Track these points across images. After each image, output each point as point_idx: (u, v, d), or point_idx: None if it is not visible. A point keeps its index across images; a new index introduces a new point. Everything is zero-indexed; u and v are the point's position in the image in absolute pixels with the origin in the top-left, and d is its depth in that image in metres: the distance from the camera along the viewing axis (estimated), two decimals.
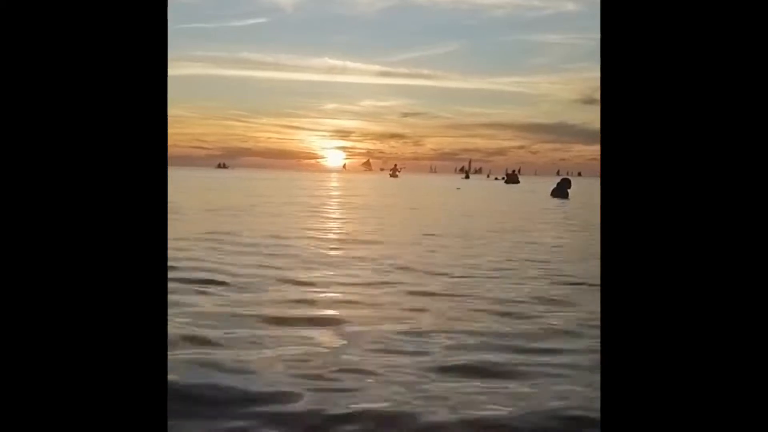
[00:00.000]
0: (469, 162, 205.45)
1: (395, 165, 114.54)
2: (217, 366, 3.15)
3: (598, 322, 1.23)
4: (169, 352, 3.03)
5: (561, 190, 28.69)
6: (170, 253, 5.58)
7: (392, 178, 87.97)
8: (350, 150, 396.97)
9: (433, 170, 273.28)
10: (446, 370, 3.21)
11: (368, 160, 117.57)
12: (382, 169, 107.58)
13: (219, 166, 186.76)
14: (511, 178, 60.39)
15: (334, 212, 15.48)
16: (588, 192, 34.87)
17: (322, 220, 12.71)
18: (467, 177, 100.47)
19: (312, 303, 4.69)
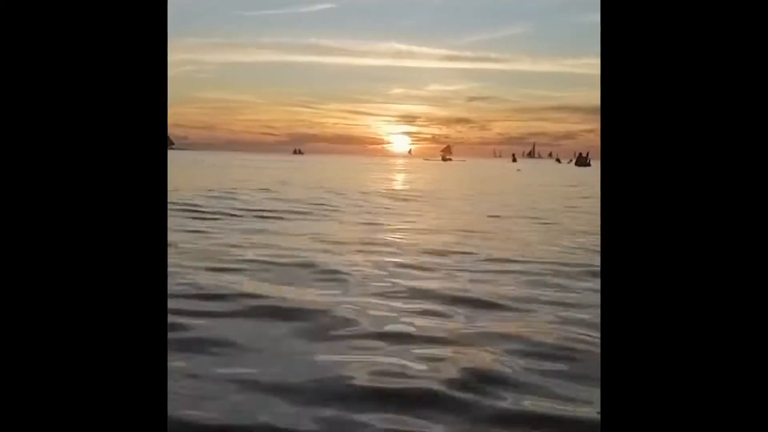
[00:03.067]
0: (534, 145, 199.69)
1: (447, 146, 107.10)
2: None
3: None
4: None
5: None
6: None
7: (444, 162, 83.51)
8: (416, 135, 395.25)
9: (497, 155, 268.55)
10: None
11: (448, 146, 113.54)
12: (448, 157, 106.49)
13: (295, 152, 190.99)
14: (581, 161, 59.25)
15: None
16: None
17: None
18: (514, 160, 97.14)
19: None
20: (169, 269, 3.51)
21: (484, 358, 3.15)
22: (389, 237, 7.70)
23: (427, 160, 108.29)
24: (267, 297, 4.26)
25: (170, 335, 2.55)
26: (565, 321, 3.84)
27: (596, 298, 3.37)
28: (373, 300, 4.29)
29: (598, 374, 1.18)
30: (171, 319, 3.12)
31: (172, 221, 7.55)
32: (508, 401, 2.64)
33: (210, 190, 14.80)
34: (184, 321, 3.60)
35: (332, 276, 5.05)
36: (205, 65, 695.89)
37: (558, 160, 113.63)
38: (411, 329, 3.61)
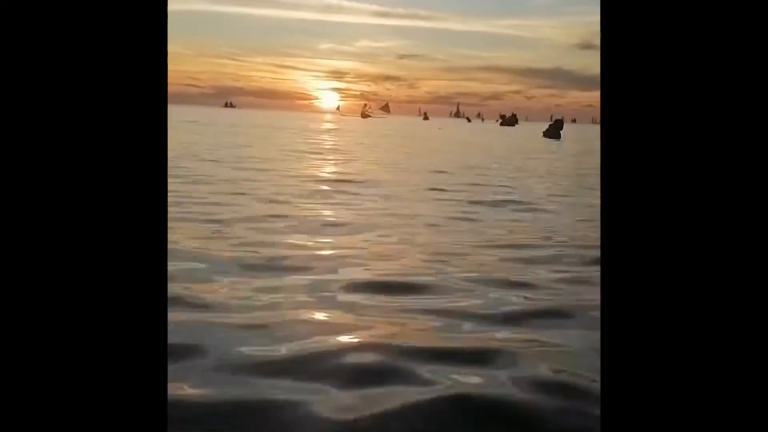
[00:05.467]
0: (458, 105, 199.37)
1: (365, 104, 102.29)
2: None
3: None
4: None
5: (554, 131, 30.22)
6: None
7: (363, 119, 79.85)
8: (344, 91, 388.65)
9: (420, 113, 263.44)
10: None
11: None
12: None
13: (226, 105, 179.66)
14: (508, 121, 61.46)
15: None
16: (580, 134, 35.84)
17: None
18: (426, 118, 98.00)
19: None
20: None
21: None
22: None
23: (344, 116, 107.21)
24: None
25: None
26: None
27: None
28: None
29: None
30: None
31: None
32: None
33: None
34: None
35: None
36: None
37: (468, 120, 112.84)
38: None
